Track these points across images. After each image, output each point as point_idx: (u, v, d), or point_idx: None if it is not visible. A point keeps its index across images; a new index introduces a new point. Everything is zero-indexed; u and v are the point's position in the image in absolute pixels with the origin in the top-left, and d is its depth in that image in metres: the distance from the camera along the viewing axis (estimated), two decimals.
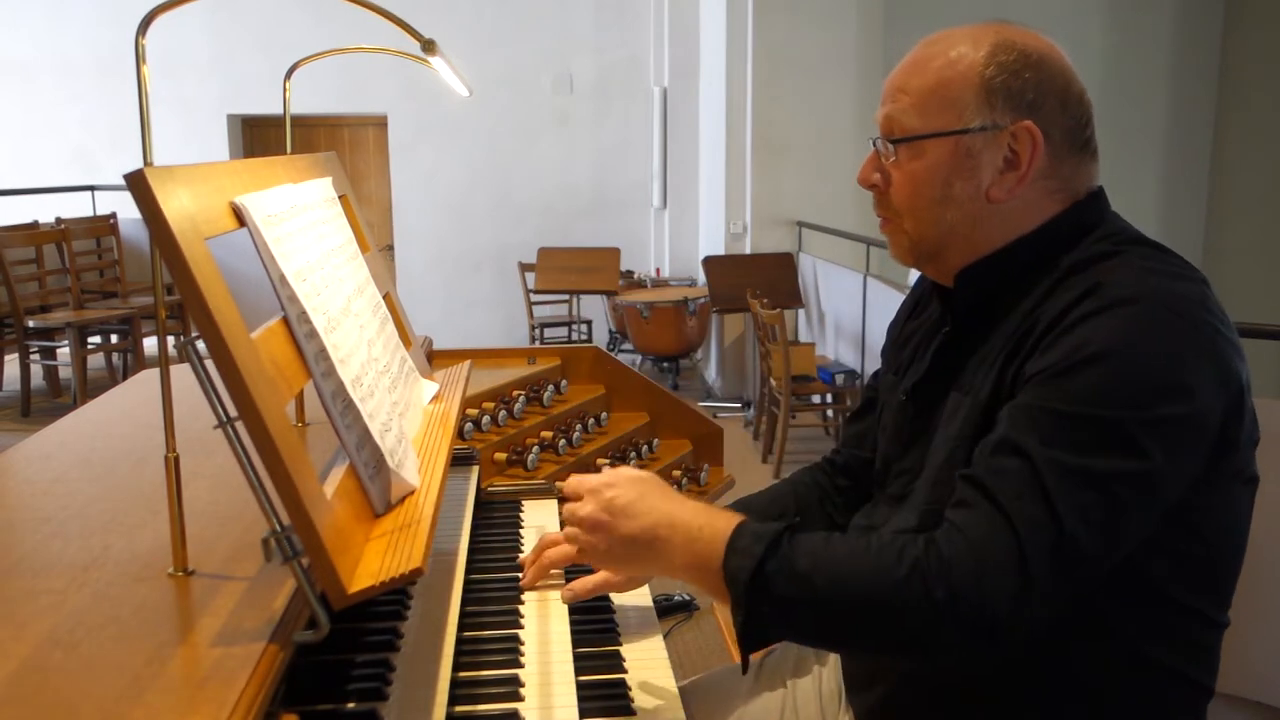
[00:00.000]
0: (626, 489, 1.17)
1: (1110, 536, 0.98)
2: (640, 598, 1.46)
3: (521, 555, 1.50)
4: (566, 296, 7.67)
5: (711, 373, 7.33)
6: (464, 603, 1.32)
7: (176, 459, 1.03)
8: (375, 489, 1.16)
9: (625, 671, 1.25)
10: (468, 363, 1.85)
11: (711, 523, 1.11)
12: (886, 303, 4.77)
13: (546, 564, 1.40)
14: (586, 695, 1.17)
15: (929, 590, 0.97)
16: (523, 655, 1.22)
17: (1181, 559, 1.07)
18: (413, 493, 1.22)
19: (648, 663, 1.28)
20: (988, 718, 1.15)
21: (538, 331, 7.61)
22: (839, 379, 5.33)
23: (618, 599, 1.44)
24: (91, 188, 8.09)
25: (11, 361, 6.68)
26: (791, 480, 1.49)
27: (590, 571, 1.36)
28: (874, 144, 1.19)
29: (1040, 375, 1.02)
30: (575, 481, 1.23)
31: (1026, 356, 1.05)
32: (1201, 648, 1.12)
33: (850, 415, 1.50)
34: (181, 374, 1.17)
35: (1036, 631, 1.00)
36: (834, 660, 1.42)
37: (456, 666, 1.14)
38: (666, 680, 1.25)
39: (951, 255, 1.17)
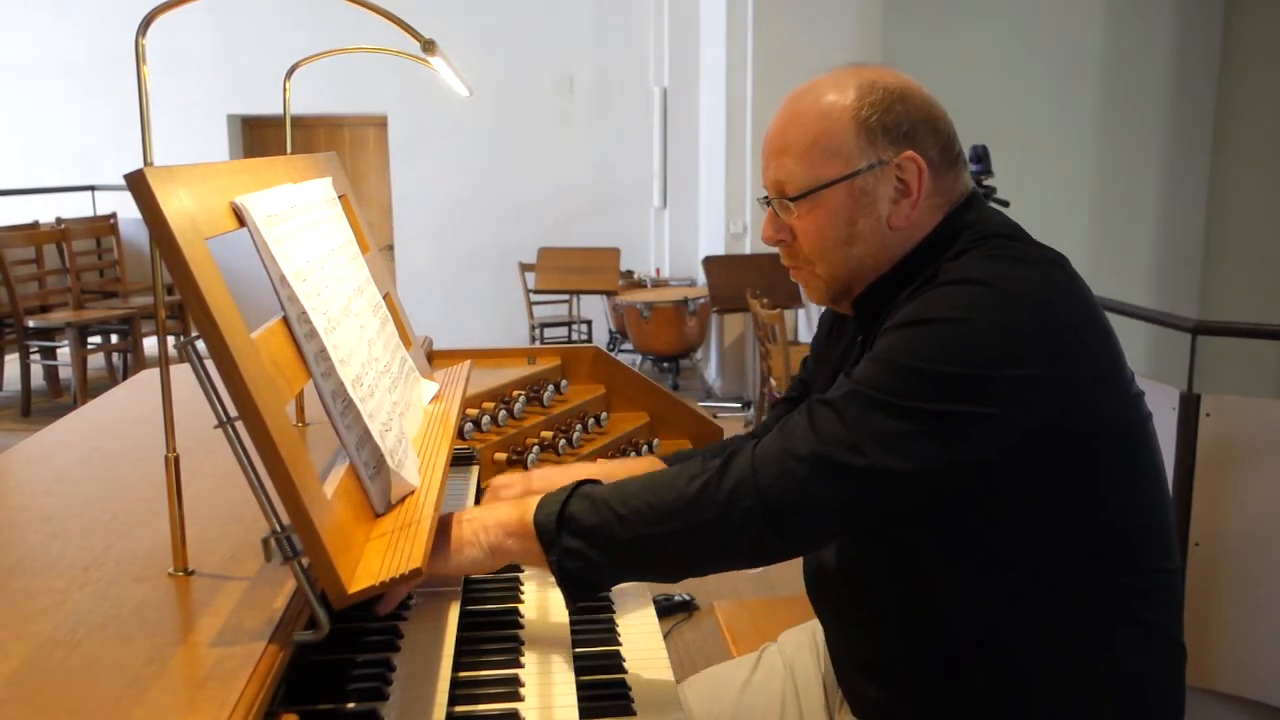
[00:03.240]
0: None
1: (901, 458, 1.06)
2: (640, 598, 1.46)
3: None
4: (566, 296, 7.67)
5: (711, 373, 7.33)
6: (464, 603, 1.32)
7: (176, 459, 1.04)
8: (375, 489, 1.16)
9: (625, 671, 1.25)
10: (468, 363, 1.85)
11: (520, 501, 1.23)
12: None
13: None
14: (586, 695, 1.17)
15: (706, 480, 1.11)
16: (523, 655, 1.22)
17: (1092, 505, 1.12)
18: (413, 492, 1.22)
19: (648, 663, 1.28)
20: (957, 691, 1.18)
21: (538, 331, 7.61)
22: None
23: (618, 598, 1.44)
24: (91, 188, 8.09)
25: (11, 361, 6.68)
26: (705, 450, 1.54)
27: None
28: (770, 204, 1.26)
29: (874, 340, 1.15)
30: None
31: None
32: (1137, 592, 1.15)
33: (778, 401, 1.56)
34: (181, 374, 1.17)
35: (828, 534, 1.16)
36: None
37: (456, 666, 1.14)
38: (666, 680, 1.25)
39: (859, 287, 1.25)
